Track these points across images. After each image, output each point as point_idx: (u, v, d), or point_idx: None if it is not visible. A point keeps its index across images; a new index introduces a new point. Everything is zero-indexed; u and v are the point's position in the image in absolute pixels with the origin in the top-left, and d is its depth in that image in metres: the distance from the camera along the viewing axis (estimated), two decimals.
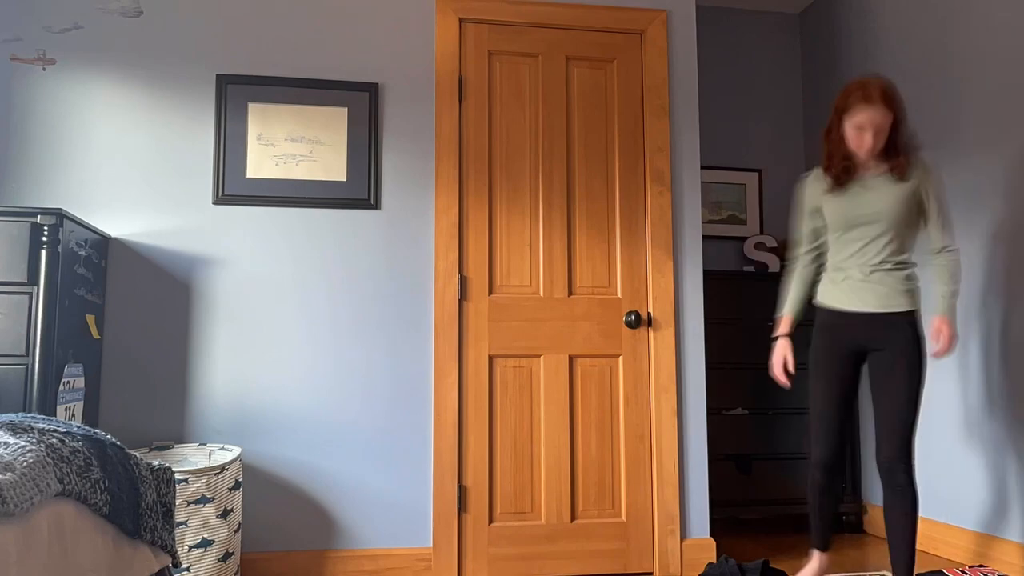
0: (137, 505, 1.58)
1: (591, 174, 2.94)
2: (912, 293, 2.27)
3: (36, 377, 2.17)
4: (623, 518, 2.82)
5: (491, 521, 2.75)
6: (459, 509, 2.73)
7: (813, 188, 2.41)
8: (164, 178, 2.72)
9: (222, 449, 2.57)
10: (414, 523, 2.72)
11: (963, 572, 2.54)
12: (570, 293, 2.88)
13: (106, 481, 1.48)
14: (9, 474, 1.21)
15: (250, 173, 2.76)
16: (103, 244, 2.61)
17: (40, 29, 2.71)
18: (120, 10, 2.76)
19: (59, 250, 2.23)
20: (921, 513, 3.18)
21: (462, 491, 2.74)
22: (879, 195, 2.26)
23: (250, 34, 2.82)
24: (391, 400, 2.75)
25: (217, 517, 2.30)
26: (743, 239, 3.96)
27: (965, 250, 2.99)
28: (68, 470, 1.38)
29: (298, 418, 2.70)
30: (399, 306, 2.79)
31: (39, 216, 2.21)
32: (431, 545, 2.71)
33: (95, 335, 2.54)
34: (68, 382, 2.30)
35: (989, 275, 2.87)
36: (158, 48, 2.77)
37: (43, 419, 1.60)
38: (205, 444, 2.61)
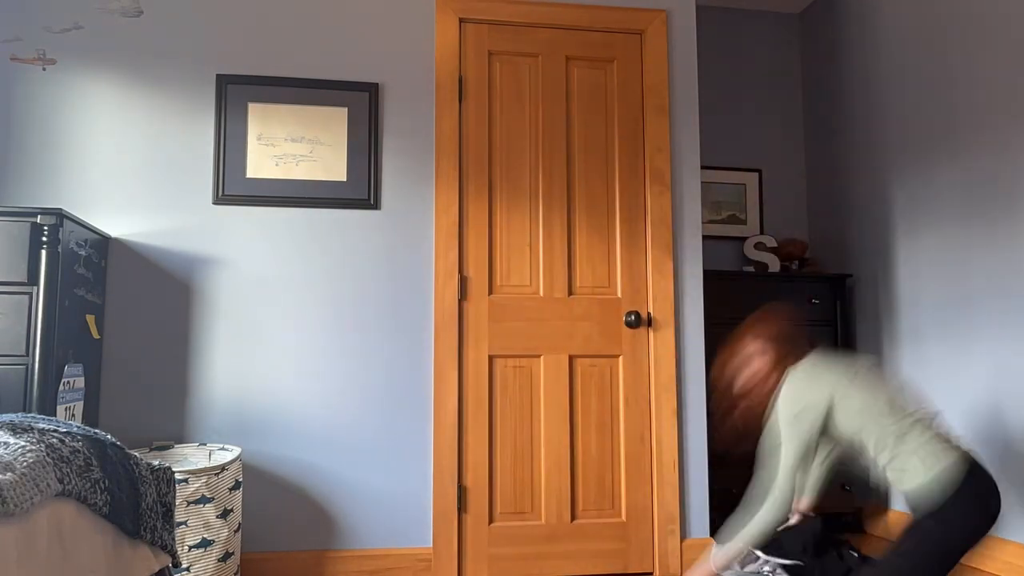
0: (137, 505, 1.58)
1: (591, 174, 2.94)
2: None
3: (36, 377, 2.17)
4: (623, 518, 2.82)
5: (491, 521, 2.75)
6: (459, 509, 2.73)
7: None
8: (164, 178, 2.72)
9: (222, 449, 2.57)
10: (414, 523, 2.72)
11: None
12: (570, 293, 2.88)
13: (106, 481, 1.48)
14: (9, 474, 1.21)
15: (250, 173, 2.76)
16: (103, 244, 2.61)
17: (40, 29, 2.71)
18: (120, 10, 2.76)
19: (59, 250, 2.23)
20: None
21: (462, 491, 2.74)
22: None
23: (250, 34, 2.82)
24: (391, 400, 2.75)
25: (217, 517, 2.30)
26: (743, 239, 3.96)
27: (965, 250, 2.99)
28: (68, 470, 1.38)
29: (298, 418, 2.70)
30: (399, 306, 2.79)
31: (39, 216, 2.21)
32: (431, 545, 2.71)
33: (95, 335, 2.54)
34: (68, 382, 2.30)
35: (989, 276, 2.87)
36: (158, 48, 2.77)
37: (43, 419, 1.60)
38: (205, 444, 2.61)
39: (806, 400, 1.99)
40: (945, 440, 1.89)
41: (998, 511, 1.86)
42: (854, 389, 1.98)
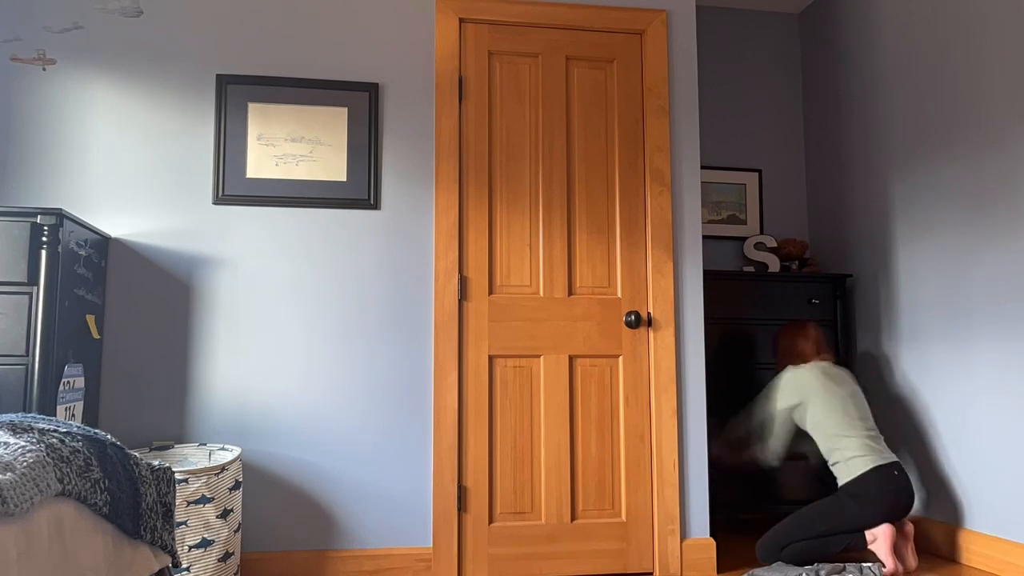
0: (137, 505, 1.58)
1: (591, 174, 2.94)
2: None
3: (36, 377, 2.17)
4: (623, 518, 2.82)
5: (491, 521, 2.75)
6: (459, 509, 2.73)
7: None
8: (164, 178, 2.72)
9: (222, 449, 2.57)
10: (414, 523, 2.72)
11: None
12: (570, 293, 2.88)
13: (106, 481, 1.48)
14: (9, 474, 1.21)
15: (250, 173, 2.76)
16: (103, 244, 2.61)
17: (40, 29, 2.71)
18: (120, 10, 2.76)
19: (59, 250, 2.23)
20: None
21: (462, 491, 2.74)
22: None
23: (250, 34, 2.82)
24: (391, 400, 2.75)
25: (217, 517, 2.30)
26: (743, 239, 3.96)
27: (968, 251, 2.99)
28: (68, 470, 1.38)
29: (298, 417, 2.70)
30: (399, 306, 2.79)
31: (39, 216, 2.21)
32: (431, 545, 2.71)
33: (95, 335, 2.54)
34: (68, 382, 2.30)
35: (994, 276, 2.87)
36: (158, 48, 2.77)
37: (43, 419, 1.60)
38: (205, 444, 2.61)
39: (786, 396, 3.02)
40: (870, 452, 2.80)
41: (900, 505, 2.74)
42: (819, 404, 2.93)
